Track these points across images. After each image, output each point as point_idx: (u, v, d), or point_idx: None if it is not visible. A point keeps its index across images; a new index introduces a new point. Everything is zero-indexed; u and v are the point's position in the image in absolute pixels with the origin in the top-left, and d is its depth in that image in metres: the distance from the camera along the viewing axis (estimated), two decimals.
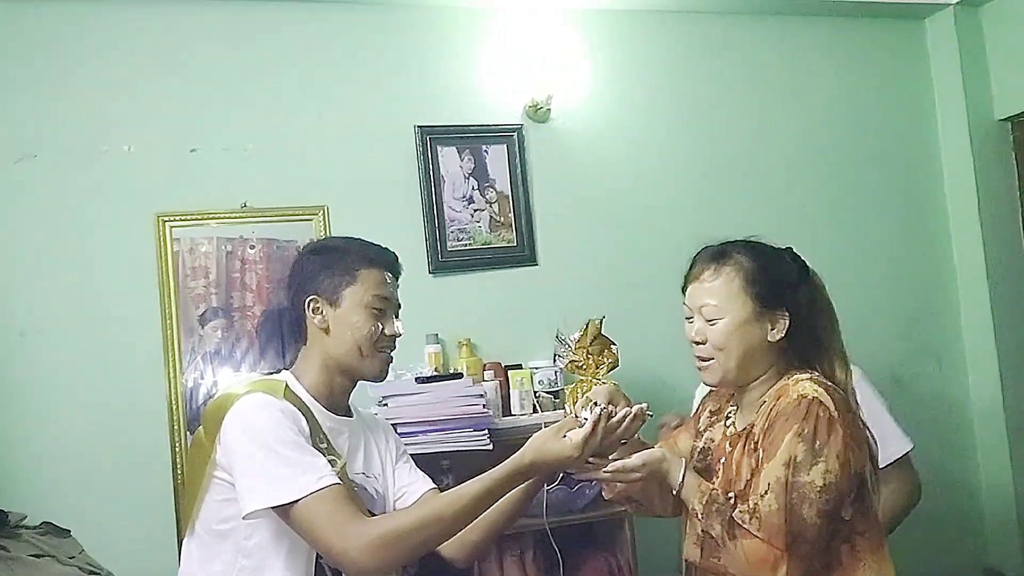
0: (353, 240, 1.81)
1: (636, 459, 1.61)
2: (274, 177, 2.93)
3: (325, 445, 1.65)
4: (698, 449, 1.77)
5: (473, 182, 3.12)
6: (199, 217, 2.85)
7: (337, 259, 1.73)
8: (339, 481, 1.53)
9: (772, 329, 1.62)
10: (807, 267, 1.70)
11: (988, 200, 3.57)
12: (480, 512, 1.59)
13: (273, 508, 1.52)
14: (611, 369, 2.72)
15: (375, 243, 1.81)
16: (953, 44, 3.60)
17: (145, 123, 2.84)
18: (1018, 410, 3.51)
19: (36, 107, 2.76)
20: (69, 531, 2.53)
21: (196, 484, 1.65)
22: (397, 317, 1.78)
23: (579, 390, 2.76)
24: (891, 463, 2.24)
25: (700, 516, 1.56)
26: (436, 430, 2.53)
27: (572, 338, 2.83)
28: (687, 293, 1.70)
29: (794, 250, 1.72)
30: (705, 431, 1.79)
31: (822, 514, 1.47)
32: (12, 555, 2.28)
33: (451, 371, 2.87)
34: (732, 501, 1.55)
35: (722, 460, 1.67)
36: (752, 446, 1.58)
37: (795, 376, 1.60)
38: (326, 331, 1.71)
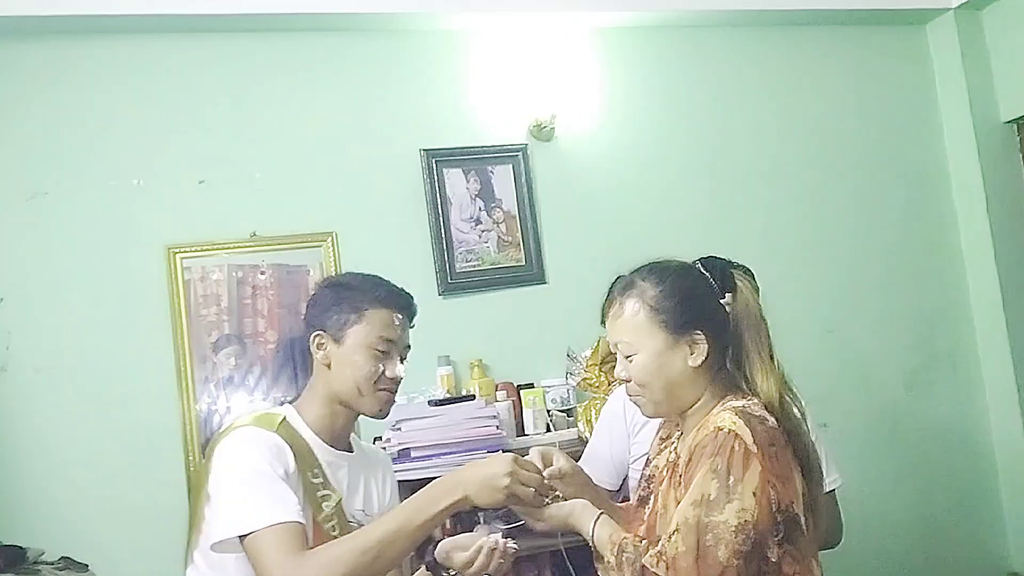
0: (369, 278, 1.79)
1: (543, 513, 1.58)
2: (282, 205, 2.95)
3: (321, 480, 1.64)
4: (645, 477, 1.69)
5: (480, 203, 3.13)
6: (209, 248, 2.87)
7: (348, 297, 1.72)
8: (301, 521, 1.51)
9: (691, 354, 1.51)
10: (727, 280, 1.56)
11: (996, 202, 3.55)
12: (412, 533, 1.52)
13: (239, 538, 1.50)
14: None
15: (391, 283, 1.79)
16: (955, 48, 3.60)
17: (153, 156, 2.86)
18: None
19: (45, 144, 2.79)
20: (87, 565, 2.54)
21: (196, 515, 1.64)
22: (403, 359, 1.76)
23: (592, 408, 2.77)
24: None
25: (613, 568, 1.47)
26: (450, 453, 2.53)
27: (583, 356, 2.84)
28: (606, 331, 1.61)
29: (712, 260, 1.60)
30: (654, 459, 1.69)
31: (739, 555, 1.34)
32: None
33: (463, 392, 2.88)
34: (645, 547, 1.44)
35: (658, 491, 1.59)
36: (678, 479, 1.49)
37: (727, 403, 1.48)
38: (328, 367, 1.70)
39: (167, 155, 2.88)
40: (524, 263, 3.15)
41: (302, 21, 2.96)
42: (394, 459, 2.52)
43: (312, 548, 1.50)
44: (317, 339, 1.71)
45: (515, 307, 3.12)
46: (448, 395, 2.84)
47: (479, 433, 2.57)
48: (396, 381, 1.73)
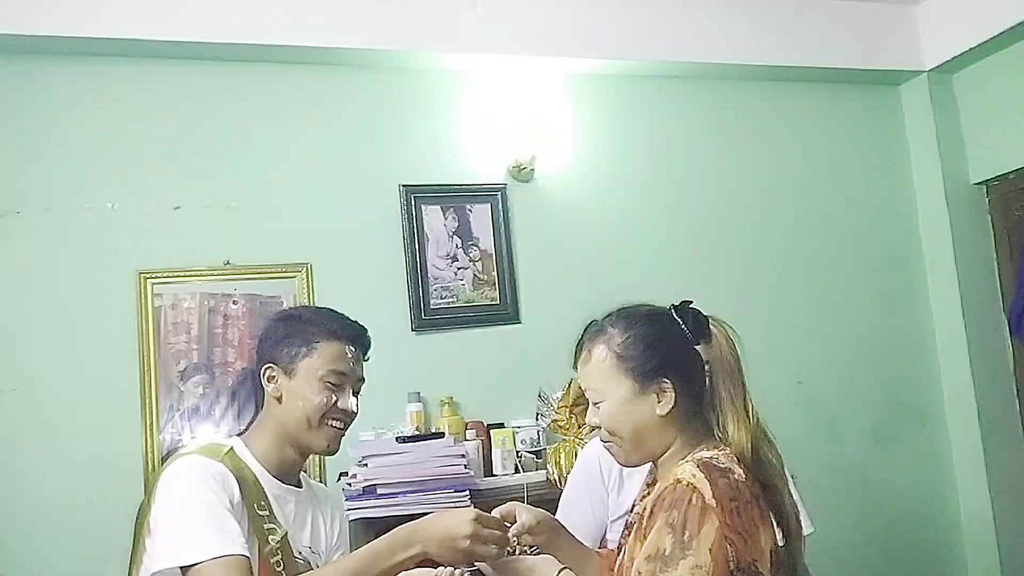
0: (322, 311, 1.79)
1: (501, 563, 1.57)
2: (258, 234, 2.94)
3: (267, 512, 1.62)
4: (628, 524, 1.64)
5: (457, 240, 3.14)
6: (181, 274, 2.84)
7: (299, 329, 1.71)
8: (246, 555, 1.49)
9: (659, 403, 1.49)
10: (701, 327, 1.53)
11: (965, 262, 3.62)
12: None
13: (180, 569, 1.47)
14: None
15: (344, 316, 1.78)
16: (928, 110, 3.69)
17: (129, 181, 2.84)
18: (1000, 467, 3.52)
19: (19, 164, 2.76)
20: None
21: (137, 548, 1.60)
22: (356, 393, 1.74)
23: (562, 450, 2.75)
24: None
25: None
26: (416, 491, 2.50)
27: (555, 397, 2.83)
28: (578, 376, 1.60)
29: (685, 307, 1.56)
30: (636, 504, 1.66)
31: None
32: None
33: (432, 430, 2.85)
34: None
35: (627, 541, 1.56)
36: (641, 531, 1.45)
37: (696, 453, 1.46)
38: (279, 399, 1.69)
39: (143, 180, 2.86)
40: (499, 302, 3.15)
41: (285, 53, 2.97)
42: (359, 496, 2.49)
43: None
44: (268, 371, 1.70)
45: (488, 346, 3.11)
46: (417, 432, 2.81)
47: (446, 472, 2.54)
48: (348, 414, 1.72)
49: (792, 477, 2.20)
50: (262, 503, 1.62)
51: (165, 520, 1.53)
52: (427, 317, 3.06)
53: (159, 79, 2.91)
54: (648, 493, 1.61)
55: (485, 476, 2.80)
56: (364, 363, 1.78)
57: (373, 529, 2.24)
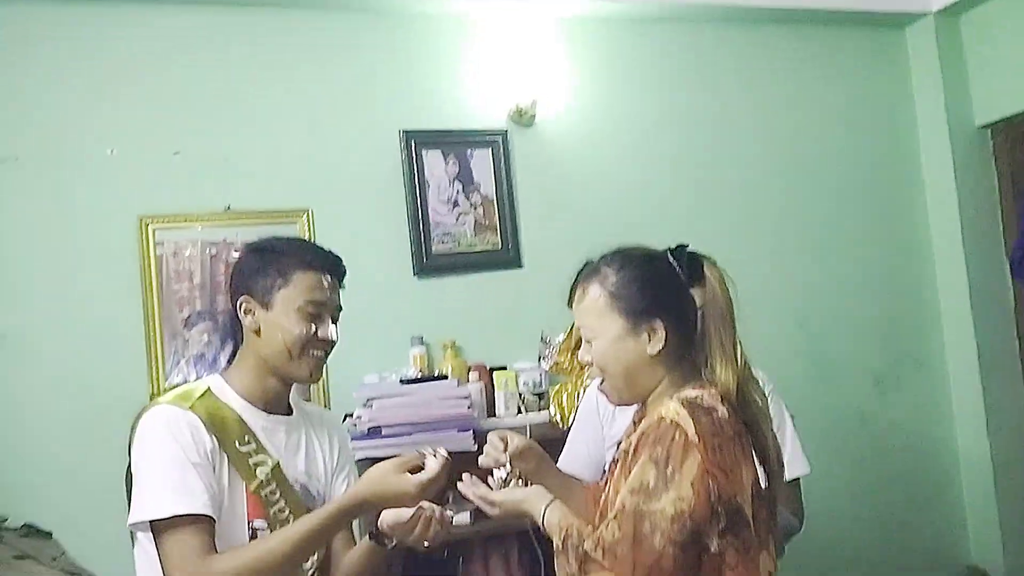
0: (294, 241, 1.77)
1: (496, 495, 1.62)
2: (258, 180, 2.93)
3: (253, 447, 1.64)
4: (614, 459, 1.67)
5: (458, 186, 3.13)
6: (182, 220, 2.84)
7: (273, 260, 1.69)
8: (210, 514, 1.51)
9: (650, 341, 1.52)
10: (695, 270, 1.57)
11: (969, 206, 3.61)
12: (312, 549, 1.58)
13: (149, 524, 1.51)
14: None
15: (317, 245, 1.76)
16: (933, 52, 3.65)
17: (128, 126, 2.83)
18: (999, 411, 3.55)
19: (19, 110, 2.74)
20: (51, 533, 2.52)
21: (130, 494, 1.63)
22: (335, 321, 1.73)
23: (564, 392, 2.78)
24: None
25: (560, 552, 1.50)
26: (420, 431, 2.54)
27: (557, 340, 2.85)
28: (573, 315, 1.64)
29: (681, 250, 1.59)
30: (624, 441, 1.67)
31: (674, 544, 1.35)
32: None
33: (436, 373, 2.88)
34: (588, 531, 1.47)
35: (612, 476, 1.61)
36: (626, 466, 1.50)
37: (682, 392, 1.49)
38: (257, 332, 1.67)
39: (143, 125, 2.84)
40: (500, 247, 3.15)
41: None
42: (364, 436, 2.53)
43: (231, 541, 1.54)
44: (244, 304, 1.68)
45: (490, 290, 3.12)
46: (421, 374, 2.84)
47: (450, 412, 2.58)
48: (328, 343, 1.71)
49: (792, 418, 2.24)
50: (245, 438, 1.63)
51: (136, 477, 1.56)
52: (429, 262, 3.06)
53: (158, 23, 2.88)
54: (634, 431, 1.64)
55: (488, 418, 2.83)
56: (341, 291, 1.76)
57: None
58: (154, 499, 1.51)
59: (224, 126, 2.92)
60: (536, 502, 1.59)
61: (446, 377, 2.74)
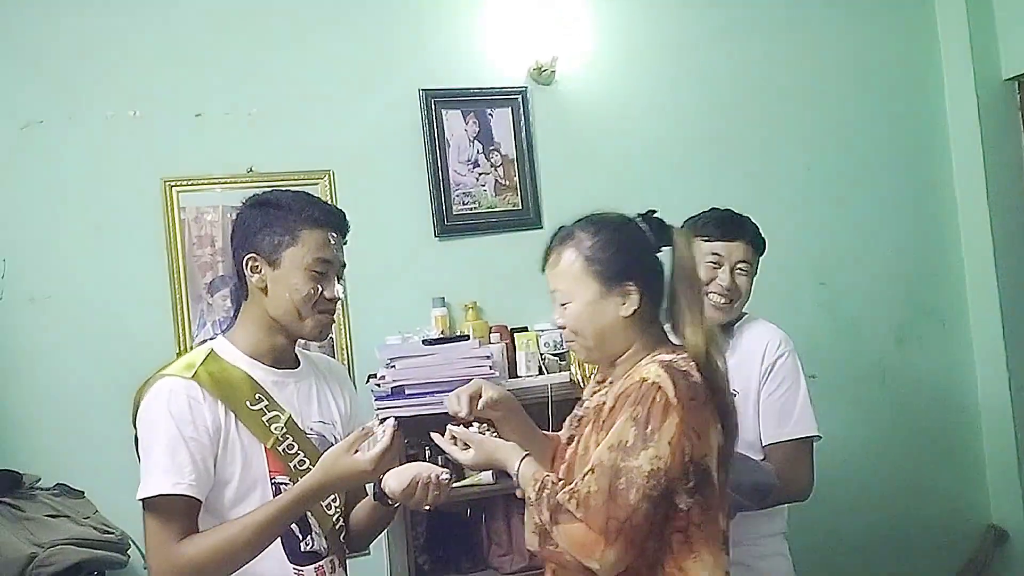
0: (299, 197, 1.73)
1: (474, 437, 1.65)
2: (279, 141, 2.93)
3: (265, 403, 1.65)
4: (576, 416, 1.74)
5: (478, 145, 3.12)
6: (205, 181, 2.86)
7: (279, 217, 1.66)
8: (194, 495, 1.53)
9: (623, 304, 1.58)
10: (664, 234, 1.62)
11: (994, 159, 3.55)
12: (275, 535, 1.58)
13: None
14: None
15: (321, 201, 1.75)
16: (960, 4, 3.56)
17: (150, 88, 2.84)
18: (1022, 369, 3.53)
19: (41, 73, 2.76)
20: (83, 492, 2.58)
21: None
22: (340, 278, 1.73)
23: None
24: (781, 442, 2.12)
25: (534, 503, 1.53)
26: (443, 391, 2.54)
27: None
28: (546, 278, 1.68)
29: (650, 215, 1.64)
30: (587, 400, 1.75)
31: (648, 499, 1.41)
32: (29, 515, 2.33)
33: (457, 334, 2.89)
34: (561, 484, 1.51)
35: (584, 432, 1.65)
36: (600, 423, 1.55)
37: (656, 355, 1.55)
38: (264, 290, 1.66)
39: (164, 87, 2.85)
40: (521, 207, 3.15)
41: None
42: (388, 396, 2.55)
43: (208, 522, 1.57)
44: (251, 262, 1.66)
45: (511, 251, 3.12)
46: (442, 335, 2.86)
47: (473, 372, 2.59)
48: (335, 301, 1.71)
49: (812, 377, 2.25)
50: (256, 396, 1.65)
51: (141, 452, 1.59)
52: (449, 223, 3.06)
53: None
54: (599, 390, 1.71)
55: (510, 378, 2.85)
56: (344, 247, 1.76)
57: (402, 427, 2.30)
58: (144, 479, 1.54)
59: (245, 87, 2.92)
60: (511, 452, 1.63)
61: (468, 337, 2.75)
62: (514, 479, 1.60)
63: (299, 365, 1.78)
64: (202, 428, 1.57)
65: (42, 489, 2.53)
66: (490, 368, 2.62)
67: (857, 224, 3.52)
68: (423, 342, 2.67)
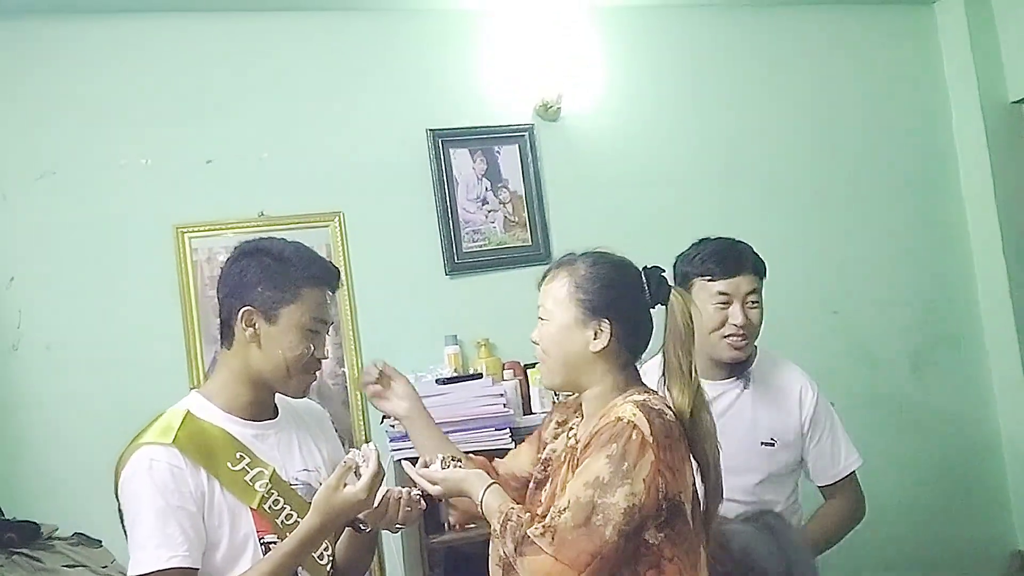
0: (299, 251, 1.67)
1: (438, 474, 1.66)
2: (289, 185, 2.96)
3: (247, 461, 1.61)
4: (541, 460, 1.74)
5: (486, 183, 3.14)
6: (217, 227, 2.88)
7: (279, 272, 1.62)
8: (189, 566, 1.50)
9: (594, 338, 1.60)
10: (661, 292, 1.63)
11: (1003, 183, 3.55)
12: None
13: None
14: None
15: (319, 256, 1.70)
16: (963, 27, 3.58)
17: (161, 135, 2.88)
18: None
19: (54, 124, 2.81)
20: (100, 541, 2.56)
21: None
22: (327, 333, 1.71)
23: None
24: (838, 480, 2.22)
25: (498, 535, 1.53)
26: (458, 430, 2.55)
27: None
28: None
29: (655, 270, 1.66)
30: (550, 442, 1.76)
31: (622, 535, 1.43)
32: (47, 566, 2.31)
33: (471, 371, 2.89)
34: (530, 519, 1.52)
35: (557, 473, 1.65)
36: (575, 462, 1.57)
37: (630, 396, 1.57)
38: (257, 344, 1.61)
39: (175, 134, 2.89)
40: (530, 243, 3.16)
41: (309, 0, 2.97)
42: (403, 437, 2.54)
43: None
44: (246, 315, 1.61)
45: (521, 287, 3.07)
46: (456, 373, 2.86)
47: (487, 411, 2.60)
48: (321, 362, 1.69)
49: (831, 404, 2.24)
50: (236, 456, 1.60)
51: (128, 529, 1.56)
52: (460, 261, 3.08)
53: (186, 32, 2.93)
54: (560, 432, 1.74)
55: (524, 415, 2.84)
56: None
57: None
58: (136, 555, 1.51)
59: (254, 133, 2.96)
60: (476, 482, 1.64)
61: (481, 375, 2.75)
62: (479, 508, 1.61)
63: (278, 414, 1.73)
64: (187, 495, 1.53)
65: (60, 539, 2.52)
66: (504, 406, 2.62)
67: (868, 251, 3.51)
68: (437, 381, 2.67)
